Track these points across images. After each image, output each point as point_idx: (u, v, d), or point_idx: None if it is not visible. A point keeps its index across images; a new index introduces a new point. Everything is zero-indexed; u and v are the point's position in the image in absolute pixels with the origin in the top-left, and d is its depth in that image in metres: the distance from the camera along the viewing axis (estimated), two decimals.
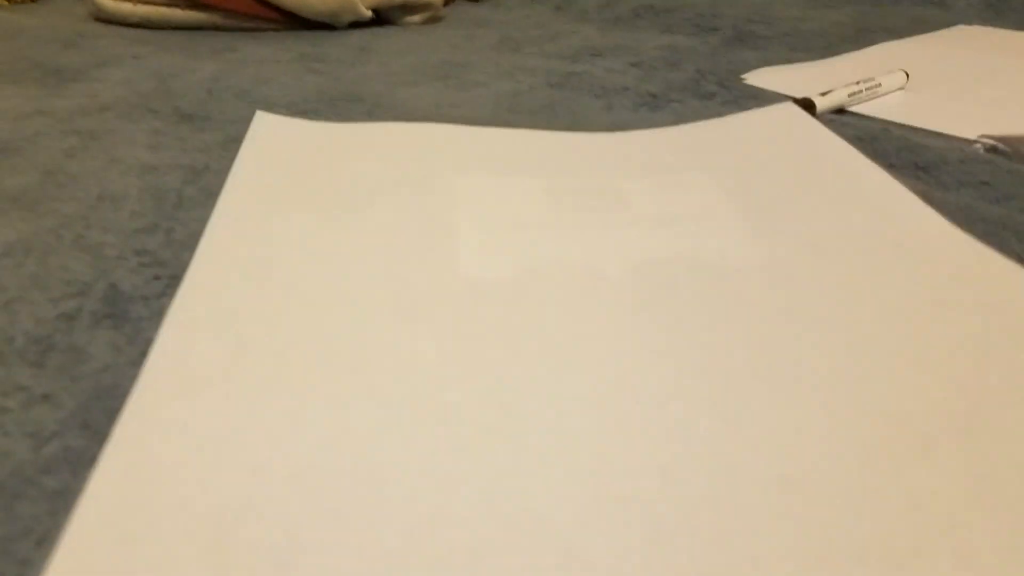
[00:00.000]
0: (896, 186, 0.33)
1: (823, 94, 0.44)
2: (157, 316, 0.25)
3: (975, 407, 0.21)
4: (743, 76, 0.51)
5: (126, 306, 0.25)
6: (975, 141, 0.41)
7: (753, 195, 0.33)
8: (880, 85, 0.46)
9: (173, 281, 0.26)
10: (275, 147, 0.36)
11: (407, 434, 0.20)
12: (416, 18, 0.65)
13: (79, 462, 0.19)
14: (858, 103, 0.45)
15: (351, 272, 0.27)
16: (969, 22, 0.69)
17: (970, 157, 0.38)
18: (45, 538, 0.17)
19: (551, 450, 0.19)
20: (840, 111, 0.45)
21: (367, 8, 0.61)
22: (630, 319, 0.25)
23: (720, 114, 0.42)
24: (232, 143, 0.38)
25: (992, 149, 0.40)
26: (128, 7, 0.59)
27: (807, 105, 0.43)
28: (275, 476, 0.18)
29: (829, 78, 0.50)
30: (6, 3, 0.65)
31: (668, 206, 0.32)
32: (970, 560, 0.17)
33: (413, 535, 0.17)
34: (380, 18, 0.64)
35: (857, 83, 0.45)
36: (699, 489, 0.18)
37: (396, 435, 0.20)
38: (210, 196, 0.32)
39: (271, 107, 0.43)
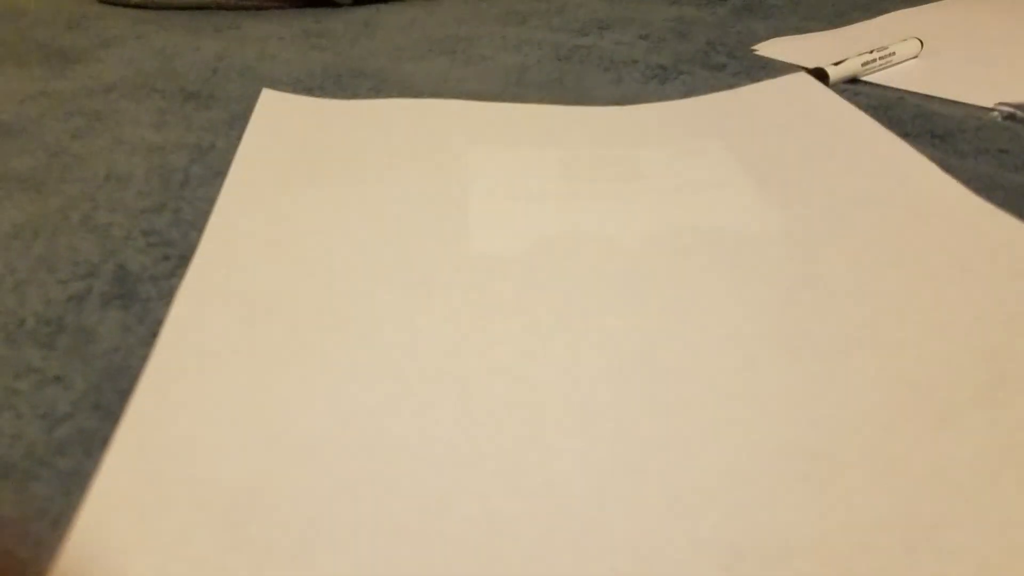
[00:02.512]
0: (913, 154, 0.32)
1: (836, 64, 0.43)
2: (166, 296, 0.24)
3: (997, 375, 0.21)
4: (754, 47, 0.50)
5: (135, 286, 0.25)
6: (992, 109, 0.40)
7: (768, 166, 0.32)
8: (894, 53, 0.46)
9: (182, 261, 0.26)
10: (282, 125, 0.35)
11: (422, 408, 0.20)
12: None
13: (92, 443, 0.19)
14: (872, 72, 0.45)
15: (361, 248, 0.26)
16: None
17: (987, 125, 0.38)
18: (60, 519, 0.17)
19: (568, 422, 0.19)
20: (854, 80, 0.44)
21: None
22: (646, 290, 0.24)
23: (731, 85, 0.41)
24: (237, 121, 0.37)
25: (1010, 116, 0.39)
26: None
27: (820, 75, 0.42)
28: (289, 453, 0.18)
29: (842, 47, 0.49)
30: None
31: (682, 176, 0.31)
32: (993, 530, 0.16)
33: (430, 509, 0.17)
34: None
35: (871, 52, 0.45)
36: (719, 460, 0.18)
37: (411, 409, 0.20)
38: (217, 175, 0.32)
39: (276, 84, 0.42)
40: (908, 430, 0.19)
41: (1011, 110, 0.39)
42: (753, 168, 0.32)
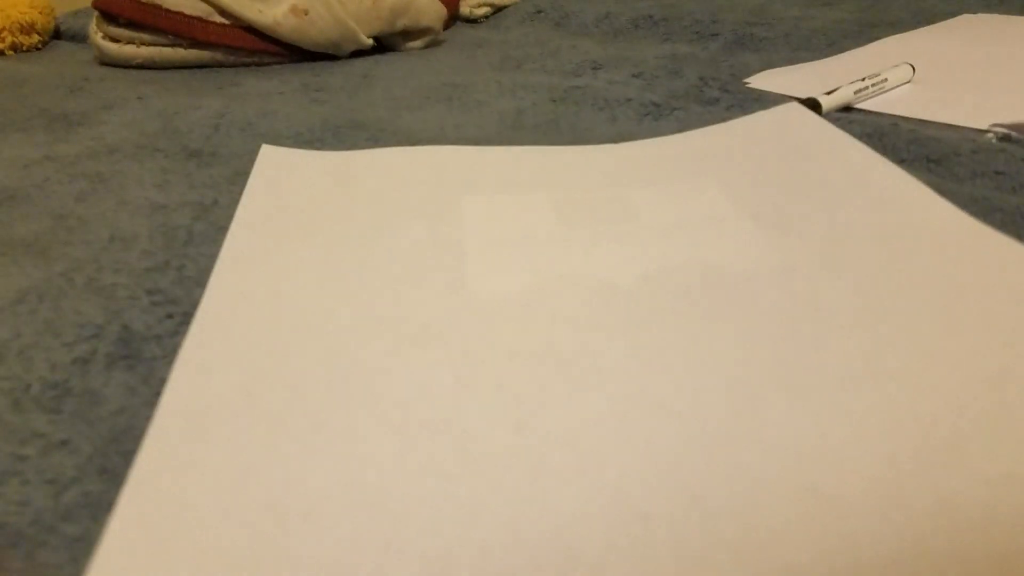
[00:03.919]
0: (909, 180, 0.33)
1: (828, 93, 0.43)
2: (171, 355, 0.24)
3: (999, 402, 0.20)
4: (746, 80, 0.51)
5: (140, 346, 0.25)
6: (987, 131, 0.40)
7: (764, 198, 0.32)
8: (886, 80, 0.46)
9: (186, 318, 0.26)
10: (282, 179, 0.36)
11: (425, 463, 0.20)
12: (417, 43, 0.65)
13: (98, 507, 0.19)
14: (865, 100, 0.45)
15: (363, 301, 0.26)
16: (974, 10, 0.69)
17: (983, 147, 0.38)
18: None
19: (571, 469, 0.19)
20: (847, 109, 0.44)
21: (368, 36, 0.61)
22: (645, 329, 0.24)
23: (724, 119, 0.42)
24: (239, 177, 0.38)
25: (1005, 138, 0.39)
26: (131, 49, 0.60)
27: (812, 105, 0.42)
28: (292, 514, 0.18)
29: (834, 76, 0.49)
30: (11, 52, 0.66)
31: (678, 213, 0.31)
32: (1001, 562, 0.16)
33: (435, 564, 0.17)
34: (382, 45, 0.64)
35: (863, 79, 0.45)
36: (724, 501, 0.18)
37: (414, 465, 0.19)
38: (220, 231, 0.32)
39: (276, 139, 0.43)
40: (912, 463, 0.19)
41: (1006, 131, 0.39)
42: (748, 200, 0.32)
